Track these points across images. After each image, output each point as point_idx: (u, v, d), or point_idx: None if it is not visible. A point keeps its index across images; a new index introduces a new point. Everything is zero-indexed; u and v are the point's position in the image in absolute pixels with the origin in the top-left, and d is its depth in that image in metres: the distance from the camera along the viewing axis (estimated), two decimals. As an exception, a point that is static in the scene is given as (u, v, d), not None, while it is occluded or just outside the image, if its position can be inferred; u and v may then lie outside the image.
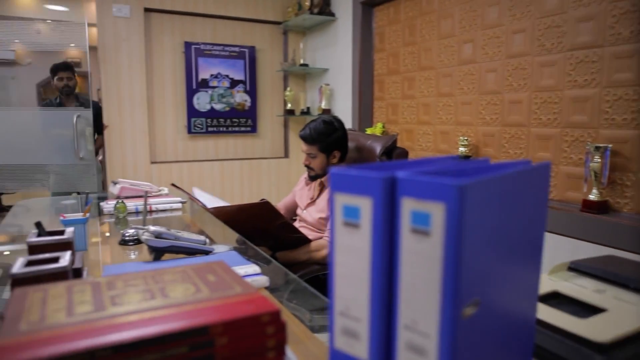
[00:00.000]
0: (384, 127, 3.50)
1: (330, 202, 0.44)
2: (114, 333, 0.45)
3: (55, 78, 3.49)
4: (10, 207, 4.51)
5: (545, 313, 0.65)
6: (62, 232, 1.01)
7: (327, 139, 2.02)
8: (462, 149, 2.74)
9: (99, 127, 3.66)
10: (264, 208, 1.76)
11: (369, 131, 3.52)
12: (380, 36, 3.58)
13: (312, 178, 2.13)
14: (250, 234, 1.70)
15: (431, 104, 3.12)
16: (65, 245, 0.96)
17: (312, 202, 2.12)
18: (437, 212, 0.38)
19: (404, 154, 2.12)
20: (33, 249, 0.94)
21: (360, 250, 0.42)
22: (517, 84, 2.49)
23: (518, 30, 2.47)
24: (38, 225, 1.01)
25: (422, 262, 0.39)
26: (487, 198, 0.42)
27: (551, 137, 2.34)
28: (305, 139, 2.04)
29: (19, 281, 0.74)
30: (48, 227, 1.04)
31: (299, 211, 2.22)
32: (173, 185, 2.13)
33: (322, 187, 2.10)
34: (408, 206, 0.39)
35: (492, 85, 2.65)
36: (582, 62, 2.17)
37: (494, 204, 0.43)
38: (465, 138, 2.73)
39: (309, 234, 2.02)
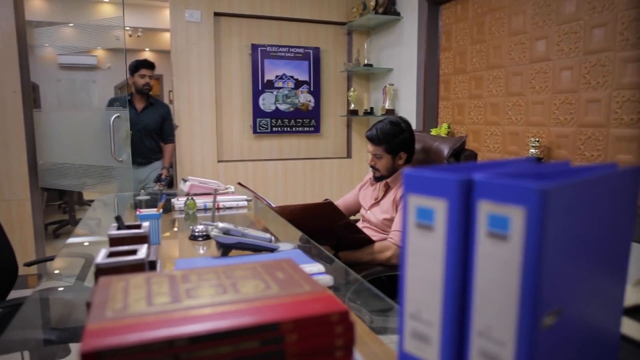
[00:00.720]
0: (449, 127, 3.42)
1: (404, 203, 0.44)
2: (190, 324, 0.47)
3: (137, 75, 3.44)
4: (91, 201, 4.82)
5: (631, 327, 0.60)
6: (138, 226, 1.07)
7: (394, 140, 2.00)
8: (532, 150, 2.62)
9: (167, 132, 3.60)
10: (328, 208, 1.77)
11: (433, 132, 3.45)
12: (447, 34, 3.49)
13: (377, 179, 2.11)
14: (313, 233, 1.72)
15: (500, 103, 3.00)
16: (142, 239, 1.01)
17: (377, 202, 2.11)
18: (516, 216, 0.36)
19: (473, 156, 2.06)
20: (113, 241, 1.00)
21: (434, 253, 0.42)
22: (596, 81, 2.34)
23: (598, 25, 2.32)
24: (118, 219, 1.07)
25: (498, 266, 0.38)
26: (570, 203, 0.39)
27: (635, 138, 2.18)
28: (371, 139, 2.03)
29: (102, 271, 0.79)
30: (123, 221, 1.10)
31: (362, 211, 2.22)
32: (239, 184, 2.19)
33: (387, 188, 2.08)
34: (485, 209, 0.38)
35: (567, 84, 2.51)
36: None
37: (576, 209, 0.41)
38: (537, 139, 2.60)
39: (373, 234, 2.01)
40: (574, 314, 0.43)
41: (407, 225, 0.44)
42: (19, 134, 3.38)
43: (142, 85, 3.44)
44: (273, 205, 1.94)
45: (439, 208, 0.41)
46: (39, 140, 3.58)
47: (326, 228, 1.84)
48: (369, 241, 1.91)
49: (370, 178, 2.21)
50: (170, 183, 3.63)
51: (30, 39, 3.52)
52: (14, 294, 1.96)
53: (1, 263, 1.94)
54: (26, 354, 1.04)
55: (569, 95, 2.50)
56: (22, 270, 2.15)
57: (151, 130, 3.51)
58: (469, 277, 0.40)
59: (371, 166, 2.08)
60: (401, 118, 2.08)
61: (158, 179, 3.39)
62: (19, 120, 3.38)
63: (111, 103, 3.57)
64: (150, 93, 3.60)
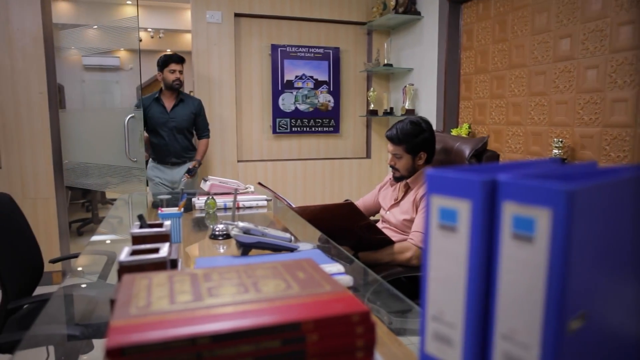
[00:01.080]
0: (470, 127, 3.38)
1: (426, 204, 0.43)
2: (213, 323, 0.47)
3: (166, 70, 3.29)
4: (113, 200, 4.89)
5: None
6: (160, 225, 1.08)
7: (414, 139, 1.99)
8: (555, 151, 2.57)
9: (201, 128, 3.48)
10: (348, 208, 1.77)
11: (454, 132, 3.42)
12: (468, 34, 3.46)
13: (396, 179, 2.10)
14: (332, 233, 1.72)
15: (522, 103, 2.96)
16: (164, 237, 1.03)
17: (397, 203, 2.10)
18: (542, 217, 0.36)
19: (495, 157, 2.03)
20: (136, 239, 1.02)
21: (457, 254, 0.41)
22: (622, 80, 2.29)
23: (625, 22, 2.27)
24: (140, 217, 1.09)
25: (524, 269, 0.37)
26: (597, 204, 0.39)
27: (661, 139, 2.12)
28: (391, 139, 2.02)
29: (125, 268, 0.81)
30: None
31: (382, 212, 2.21)
32: (260, 184, 2.20)
33: (407, 189, 2.07)
34: (510, 211, 0.38)
35: (593, 83, 2.46)
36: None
37: (603, 211, 0.40)
38: (560, 140, 2.56)
39: (392, 235, 2.00)
40: (600, 318, 0.42)
41: (429, 226, 0.43)
42: (45, 134, 3.46)
43: (172, 81, 3.29)
44: (293, 206, 1.94)
45: (463, 209, 0.40)
46: (63, 140, 3.66)
47: (346, 228, 1.84)
48: (389, 242, 1.90)
49: (390, 178, 2.20)
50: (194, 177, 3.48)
51: (56, 41, 3.60)
52: (39, 290, 2.00)
53: (29, 260, 1.99)
54: (51, 348, 1.06)
55: (594, 95, 2.45)
56: (47, 267, 2.20)
57: (183, 128, 3.36)
58: (493, 279, 0.40)
59: (391, 166, 2.07)
60: (422, 118, 2.07)
61: (188, 172, 3.33)
62: (45, 121, 3.46)
63: (139, 104, 3.43)
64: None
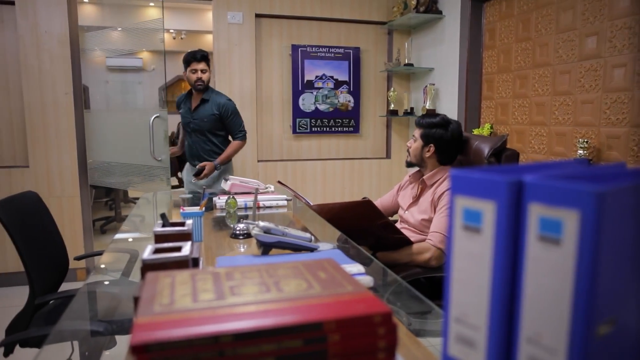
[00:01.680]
0: (492, 127, 3.34)
1: (450, 205, 0.43)
2: (235, 321, 0.48)
3: (189, 70, 3.10)
4: (136, 199, 4.97)
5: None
6: (182, 224, 1.09)
7: (431, 129, 2.05)
8: (580, 151, 2.52)
9: (231, 129, 3.22)
10: (366, 207, 1.76)
11: (475, 132, 3.38)
12: (491, 32, 3.41)
13: (407, 164, 2.18)
14: (351, 233, 1.71)
15: (546, 103, 2.91)
16: (186, 236, 1.04)
17: (415, 202, 2.09)
18: (570, 219, 0.35)
19: (515, 155, 2.00)
20: (158, 238, 1.03)
21: (481, 256, 0.41)
22: (651, 80, 2.23)
23: (653, 21, 2.21)
24: (163, 216, 1.10)
25: (550, 271, 0.37)
26: (627, 207, 0.38)
27: (692, 139, 2.06)
28: (416, 121, 2.13)
29: (148, 266, 0.82)
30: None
31: (400, 212, 2.20)
32: (279, 182, 2.21)
33: (424, 186, 2.07)
34: (536, 212, 0.37)
35: (620, 82, 2.40)
36: None
37: (632, 213, 0.39)
38: (585, 140, 2.50)
39: (411, 235, 1.98)
40: (629, 323, 0.41)
41: (453, 227, 0.43)
42: (71, 134, 3.54)
43: (194, 82, 3.10)
44: (311, 204, 1.95)
45: (488, 210, 0.40)
46: (88, 140, 3.74)
47: (364, 228, 1.84)
48: (407, 242, 1.89)
49: (410, 176, 2.21)
50: (198, 176, 3.14)
51: (81, 43, 3.68)
52: (64, 287, 2.05)
53: (55, 257, 2.03)
54: (76, 343, 1.08)
55: (621, 94, 2.39)
56: (71, 264, 2.25)
57: (204, 130, 3.16)
58: (518, 281, 0.39)
59: (407, 149, 2.16)
60: (455, 121, 2.09)
61: (195, 173, 3.11)
62: (71, 121, 3.53)
63: (178, 105, 3.34)
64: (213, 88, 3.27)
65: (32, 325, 1.75)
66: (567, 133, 2.75)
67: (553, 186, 0.36)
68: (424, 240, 1.92)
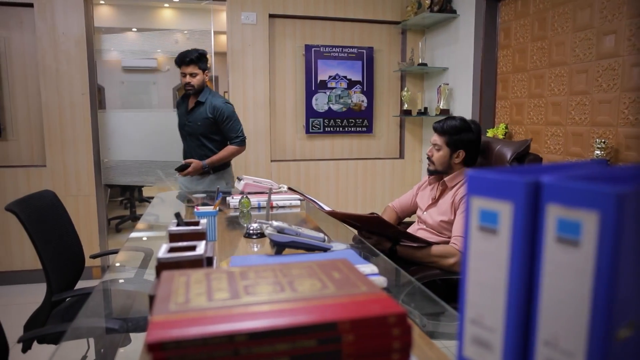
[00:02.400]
0: (507, 128, 3.30)
1: (466, 206, 0.43)
2: (250, 320, 0.48)
3: (180, 73, 2.96)
4: (150, 198, 5.01)
5: None
6: (196, 223, 1.10)
7: (457, 134, 1.98)
8: (598, 152, 2.48)
9: (227, 134, 3.03)
10: (375, 221, 1.75)
11: (490, 132, 3.35)
12: (506, 32, 3.38)
13: (430, 172, 2.09)
14: (367, 233, 1.71)
15: (562, 103, 2.87)
16: (200, 235, 1.04)
17: (434, 203, 2.06)
18: (589, 221, 0.34)
19: (537, 160, 1.98)
20: (173, 237, 1.04)
21: (498, 257, 0.40)
22: (670, 79, 2.19)
23: (673, 19, 2.17)
24: (177, 215, 1.11)
25: (568, 274, 0.36)
26: (648, 208, 0.37)
27: None
28: (436, 129, 2.03)
29: (163, 265, 0.82)
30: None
31: (419, 212, 2.18)
32: (290, 188, 2.22)
33: (444, 188, 2.04)
34: (554, 213, 0.37)
35: (639, 81, 2.36)
36: None
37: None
38: (603, 140, 2.47)
39: (429, 237, 1.96)
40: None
41: (469, 228, 0.42)
42: (87, 134, 3.59)
43: (183, 86, 2.94)
44: (325, 208, 1.94)
45: (504, 211, 0.39)
46: (103, 139, 3.78)
47: (378, 233, 1.83)
48: (426, 243, 1.85)
49: (429, 177, 2.18)
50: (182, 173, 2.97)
51: (97, 44, 3.72)
52: (80, 284, 2.08)
53: (71, 255, 2.06)
54: (91, 340, 1.09)
55: None
56: (87, 262, 2.28)
57: (197, 133, 3.01)
58: (535, 283, 0.39)
59: (428, 157, 2.07)
60: (473, 121, 2.06)
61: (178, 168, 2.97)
62: (87, 121, 3.58)
63: (178, 106, 3.24)
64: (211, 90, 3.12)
65: (49, 322, 1.78)
66: (584, 133, 2.71)
67: (572, 187, 0.35)
68: (444, 243, 1.89)
